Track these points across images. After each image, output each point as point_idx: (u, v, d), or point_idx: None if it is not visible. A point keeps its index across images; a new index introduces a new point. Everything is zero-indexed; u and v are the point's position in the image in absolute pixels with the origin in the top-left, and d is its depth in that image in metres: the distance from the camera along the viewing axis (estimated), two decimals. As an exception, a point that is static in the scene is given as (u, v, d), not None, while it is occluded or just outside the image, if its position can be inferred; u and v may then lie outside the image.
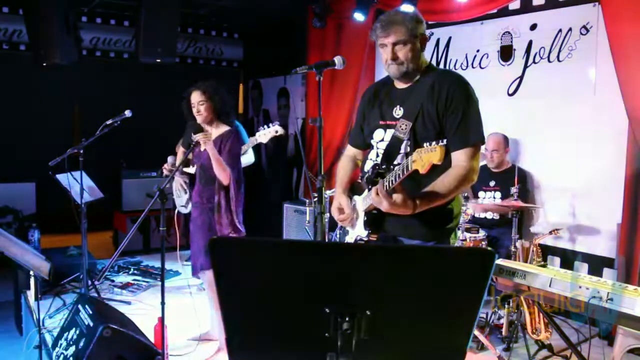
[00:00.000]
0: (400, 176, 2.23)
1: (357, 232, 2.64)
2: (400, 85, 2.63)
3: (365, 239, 2.58)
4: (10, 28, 6.95)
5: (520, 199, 4.17)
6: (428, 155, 2.08)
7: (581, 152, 4.58)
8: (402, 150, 2.51)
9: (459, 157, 2.42)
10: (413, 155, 2.15)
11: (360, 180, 2.75)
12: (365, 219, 2.58)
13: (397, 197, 2.26)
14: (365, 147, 2.81)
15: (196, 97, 3.77)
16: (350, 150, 2.93)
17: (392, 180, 2.29)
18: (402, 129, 2.51)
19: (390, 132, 2.58)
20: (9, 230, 6.04)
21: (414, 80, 2.58)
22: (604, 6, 4.12)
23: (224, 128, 3.85)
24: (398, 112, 2.57)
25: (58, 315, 4.49)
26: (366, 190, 2.57)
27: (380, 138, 2.62)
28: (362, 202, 2.60)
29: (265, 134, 4.94)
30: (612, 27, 4.02)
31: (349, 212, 2.64)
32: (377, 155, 2.62)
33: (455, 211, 2.60)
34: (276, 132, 4.94)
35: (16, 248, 3.16)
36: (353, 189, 2.74)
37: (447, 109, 2.45)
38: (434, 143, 2.08)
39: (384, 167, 2.49)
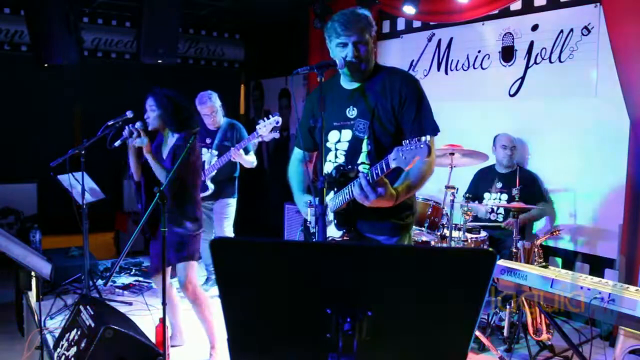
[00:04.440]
0: (379, 174, 2.27)
1: (328, 233, 2.65)
2: (348, 85, 2.66)
3: (339, 238, 2.60)
4: (12, 29, 6.96)
5: (527, 201, 4.16)
6: (413, 152, 2.12)
7: (582, 153, 4.58)
8: (363, 149, 2.57)
9: None
10: (392, 154, 2.18)
11: (314, 183, 2.77)
12: (336, 220, 2.60)
13: (382, 190, 2.30)
14: (315, 149, 2.88)
15: (148, 102, 3.71)
16: (298, 154, 2.97)
17: (371, 178, 2.33)
18: (360, 128, 2.57)
19: (346, 132, 2.62)
20: (11, 231, 6.06)
21: (364, 80, 2.61)
22: (605, 7, 4.12)
23: (176, 136, 3.73)
24: (352, 112, 2.62)
25: (59, 316, 4.50)
26: (331, 192, 2.59)
27: (337, 139, 2.66)
28: (330, 203, 2.62)
29: (265, 126, 4.90)
30: (614, 28, 4.02)
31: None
32: (337, 157, 2.65)
33: (414, 207, 2.71)
34: (277, 122, 4.92)
35: (17, 249, 3.16)
36: (311, 193, 2.76)
37: (402, 105, 2.53)
38: (415, 139, 2.13)
39: (348, 167, 2.56)
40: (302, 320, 1.37)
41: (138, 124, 3.68)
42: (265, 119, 4.93)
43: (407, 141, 2.15)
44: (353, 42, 2.51)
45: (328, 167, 2.67)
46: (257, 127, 4.92)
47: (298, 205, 2.88)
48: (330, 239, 2.63)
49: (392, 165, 2.19)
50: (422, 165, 2.46)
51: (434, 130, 2.54)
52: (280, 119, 4.94)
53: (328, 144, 2.69)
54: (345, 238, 2.59)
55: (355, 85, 2.64)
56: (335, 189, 2.56)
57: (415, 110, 2.52)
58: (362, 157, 2.58)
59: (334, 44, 2.57)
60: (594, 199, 4.52)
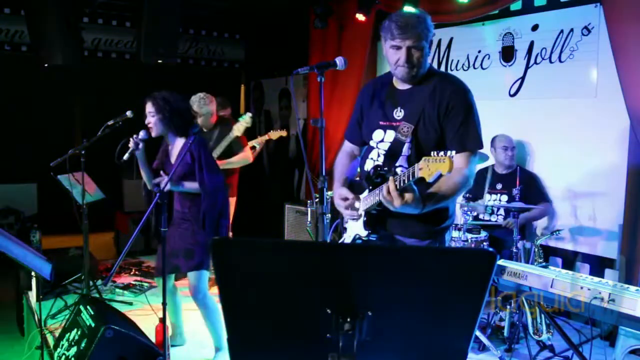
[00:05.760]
0: (406, 182, 2.26)
1: (356, 231, 2.64)
2: (400, 86, 2.63)
3: (365, 238, 2.59)
4: (12, 29, 6.96)
5: (527, 201, 4.16)
6: (436, 165, 2.10)
7: (582, 153, 4.58)
8: (404, 153, 2.53)
9: (459, 161, 2.44)
10: (420, 163, 2.16)
11: (358, 179, 2.75)
12: (365, 219, 2.58)
13: (409, 196, 2.28)
14: (363, 143, 2.82)
15: (147, 108, 3.67)
16: (347, 146, 2.93)
17: (399, 183, 2.31)
18: (404, 132, 2.53)
19: (390, 133, 2.59)
20: (11, 231, 6.05)
21: (415, 83, 2.58)
22: (606, 7, 4.12)
23: (182, 140, 3.72)
24: (399, 113, 2.58)
25: (59, 316, 4.50)
26: (366, 191, 2.58)
27: (380, 138, 2.63)
28: (363, 201, 2.60)
29: (238, 128, 5.02)
30: (614, 28, 4.01)
31: (352, 198, 2.60)
32: (379, 156, 2.63)
33: (450, 210, 2.64)
34: (247, 124, 4.98)
35: (18, 249, 3.16)
36: (352, 188, 2.74)
37: (448, 114, 2.48)
38: (441, 153, 2.10)
39: (385, 168, 2.53)
40: (302, 320, 1.37)
41: (142, 134, 3.65)
42: (240, 119, 5.03)
43: (435, 152, 2.13)
44: (407, 46, 2.46)
45: (368, 165, 2.65)
46: (233, 128, 5.07)
47: (334, 195, 2.75)
48: (356, 237, 2.63)
49: (418, 174, 2.17)
50: (457, 178, 2.42)
51: (476, 144, 2.50)
52: (250, 120, 5.05)
53: (371, 142, 2.67)
54: (371, 238, 2.58)
55: (406, 86, 2.60)
56: (370, 188, 2.54)
57: (461, 121, 2.47)
58: (401, 160, 2.54)
59: (388, 45, 2.52)
60: (594, 199, 4.52)
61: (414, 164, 2.26)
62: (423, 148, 2.49)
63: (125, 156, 3.70)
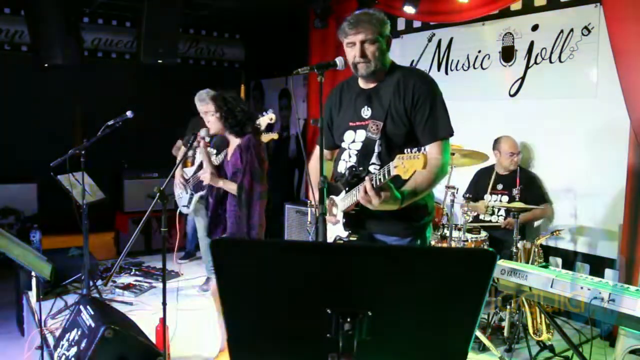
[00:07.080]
0: (382, 180, 2.26)
1: (336, 232, 2.65)
2: (365, 85, 2.65)
3: (346, 239, 2.59)
4: (12, 29, 6.96)
5: (527, 202, 4.16)
6: (411, 162, 2.10)
7: (582, 153, 4.58)
8: (376, 150, 2.56)
9: (431, 151, 2.45)
10: (394, 162, 2.17)
11: (333, 182, 2.76)
12: (345, 220, 2.59)
13: (386, 194, 2.29)
14: (335, 147, 2.85)
15: (209, 107, 3.83)
16: (318, 152, 2.93)
17: (375, 182, 2.32)
18: (373, 129, 2.55)
19: (360, 133, 2.61)
20: (11, 231, 6.05)
21: (379, 80, 2.60)
22: (606, 7, 4.12)
23: (237, 141, 3.79)
24: (366, 112, 2.61)
25: (59, 316, 4.50)
26: (343, 192, 2.59)
27: (352, 139, 2.65)
28: (340, 202, 2.61)
29: (260, 123, 4.96)
30: (614, 28, 4.01)
31: (330, 203, 2.63)
32: (350, 157, 2.65)
33: (429, 206, 2.66)
34: (270, 119, 4.95)
35: (18, 249, 3.16)
36: (328, 190, 2.74)
37: (415, 105, 2.50)
38: (415, 150, 2.11)
39: (360, 168, 2.55)
40: (302, 320, 1.37)
41: (203, 132, 3.78)
42: (259, 115, 4.96)
43: (409, 149, 2.14)
44: (360, 40, 2.49)
45: (342, 167, 2.67)
46: None
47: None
48: (337, 238, 2.63)
49: (393, 172, 2.18)
50: (432, 167, 2.42)
51: (447, 132, 2.52)
52: (274, 116, 4.95)
53: (343, 144, 2.69)
54: (352, 239, 2.58)
55: (371, 85, 2.62)
56: (347, 189, 2.55)
57: (428, 112, 2.49)
58: (374, 158, 2.56)
59: (344, 44, 2.56)
60: (594, 199, 4.52)
61: (386, 160, 2.26)
62: (393, 143, 2.52)
63: (191, 152, 3.85)
